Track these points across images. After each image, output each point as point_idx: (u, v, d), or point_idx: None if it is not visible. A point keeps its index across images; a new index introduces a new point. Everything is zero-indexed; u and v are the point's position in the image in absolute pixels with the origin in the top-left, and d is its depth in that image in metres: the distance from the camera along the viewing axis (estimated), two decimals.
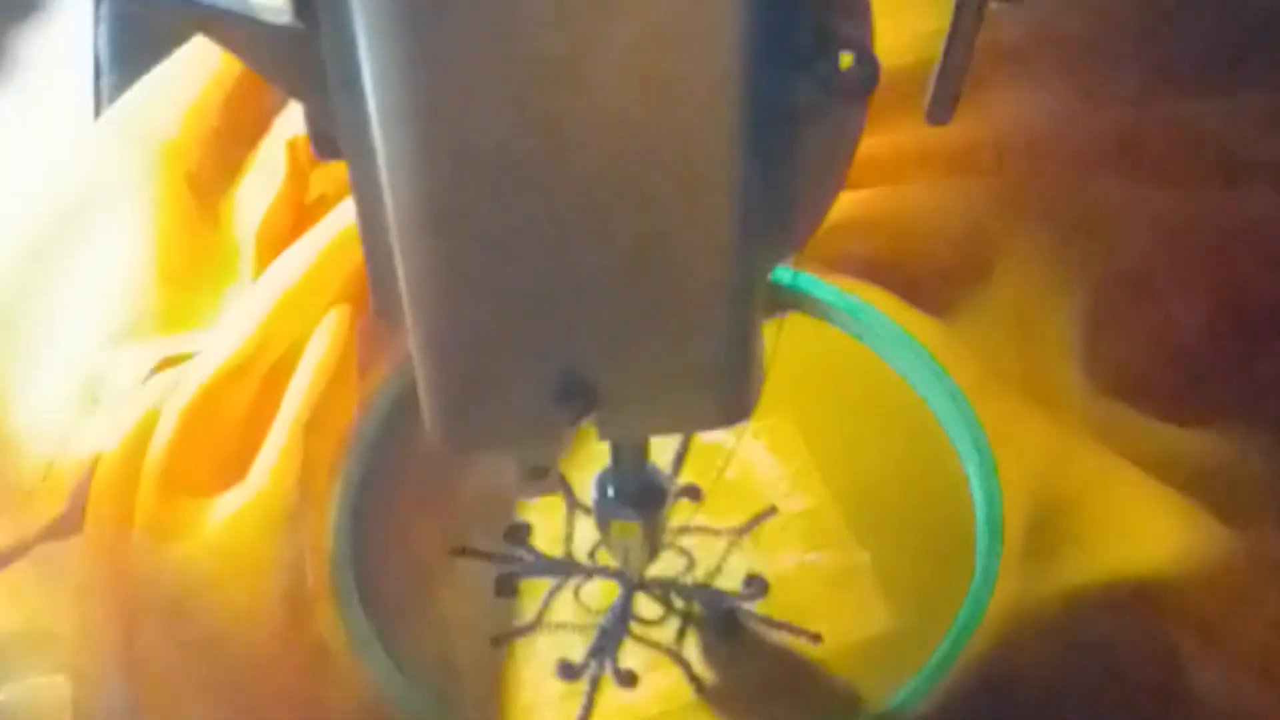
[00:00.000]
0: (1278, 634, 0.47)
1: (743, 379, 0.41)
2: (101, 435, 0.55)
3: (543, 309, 0.38)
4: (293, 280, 0.57)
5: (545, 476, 0.44)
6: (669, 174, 0.36)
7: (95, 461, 0.54)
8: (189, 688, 0.50)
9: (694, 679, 0.51)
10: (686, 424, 0.44)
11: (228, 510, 0.53)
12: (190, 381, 0.55)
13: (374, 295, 0.40)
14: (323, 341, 0.56)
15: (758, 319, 0.40)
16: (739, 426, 0.53)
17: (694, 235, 0.37)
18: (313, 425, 0.55)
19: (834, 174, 0.38)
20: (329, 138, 0.38)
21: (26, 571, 0.54)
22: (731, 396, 0.41)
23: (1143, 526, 0.50)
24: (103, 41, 0.71)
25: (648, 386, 0.40)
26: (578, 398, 0.40)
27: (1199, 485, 0.50)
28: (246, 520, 0.53)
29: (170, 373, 0.57)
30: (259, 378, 0.56)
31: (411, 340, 0.39)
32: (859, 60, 0.35)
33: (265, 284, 0.58)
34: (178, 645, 0.51)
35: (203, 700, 0.50)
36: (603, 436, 0.42)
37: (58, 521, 0.54)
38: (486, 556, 0.54)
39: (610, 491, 0.47)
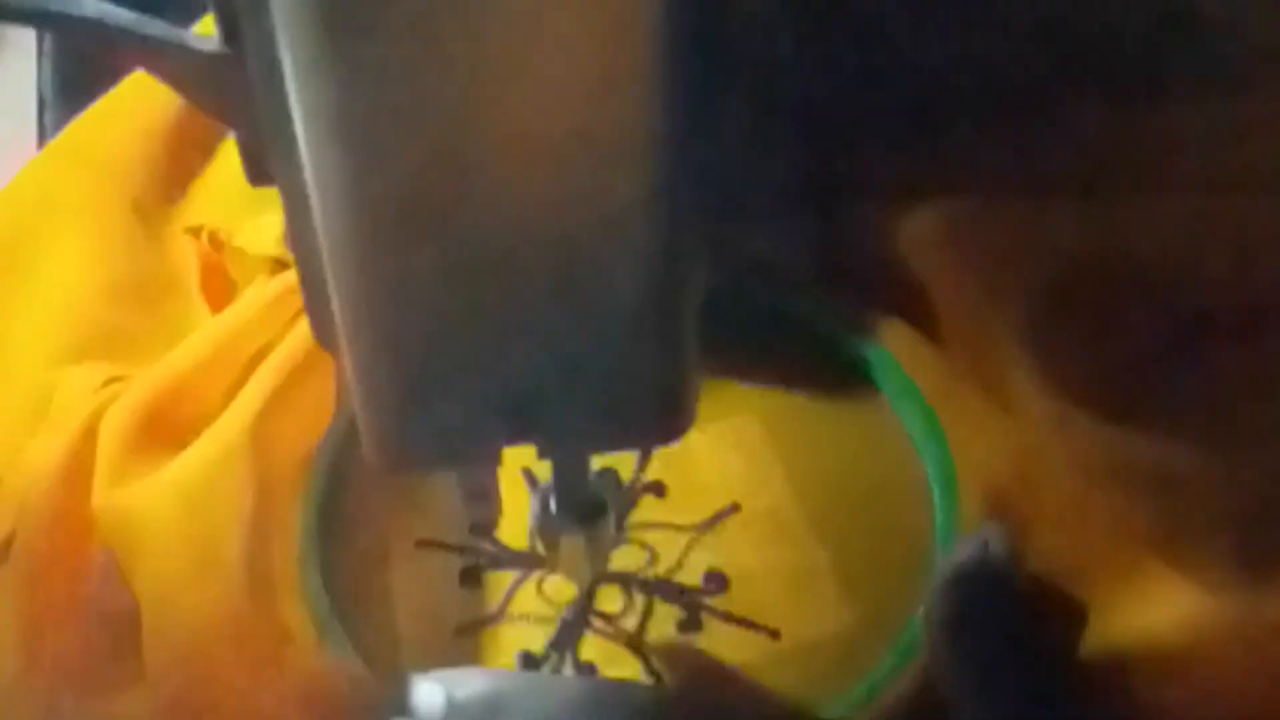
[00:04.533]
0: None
1: (678, 398, 0.41)
2: (45, 455, 0.56)
3: (474, 335, 0.39)
4: (268, 294, 0.57)
5: (486, 496, 0.44)
6: (594, 206, 0.36)
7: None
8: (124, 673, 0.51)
9: (653, 672, 0.52)
10: (624, 443, 0.45)
11: (184, 484, 0.54)
12: (143, 382, 0.56)
13: (311, 320, 0.41)
14: (296, 334, 0.57)
15: (690, 338, 0.40)
16: (703, 425, 0.53)
17: (621, 262, 0.37)
18: (281, 406, 0.56)
19: (766, 181, 0.38)
20: (260, 163, 0.38)
21: None
22: (667, 415, 0.42)
23: (1103, 537, 0.50)
24: (46, 76, 0.71)
25: (583, 407, 0.41)
26: (514, 416, 0.40)
27: (1152, 490, 0.50)
28: (204, 495, 0.53)
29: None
30: (225, 376, 0.57)
31: (346, 364, 0.40)
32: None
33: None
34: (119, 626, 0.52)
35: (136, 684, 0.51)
36: (542, 455, 0.43)
37: (2, 544, 0.55)
38: (452, 548, 0.55)
39: (552, 506, 0.47)
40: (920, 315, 0.56)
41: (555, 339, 0.39)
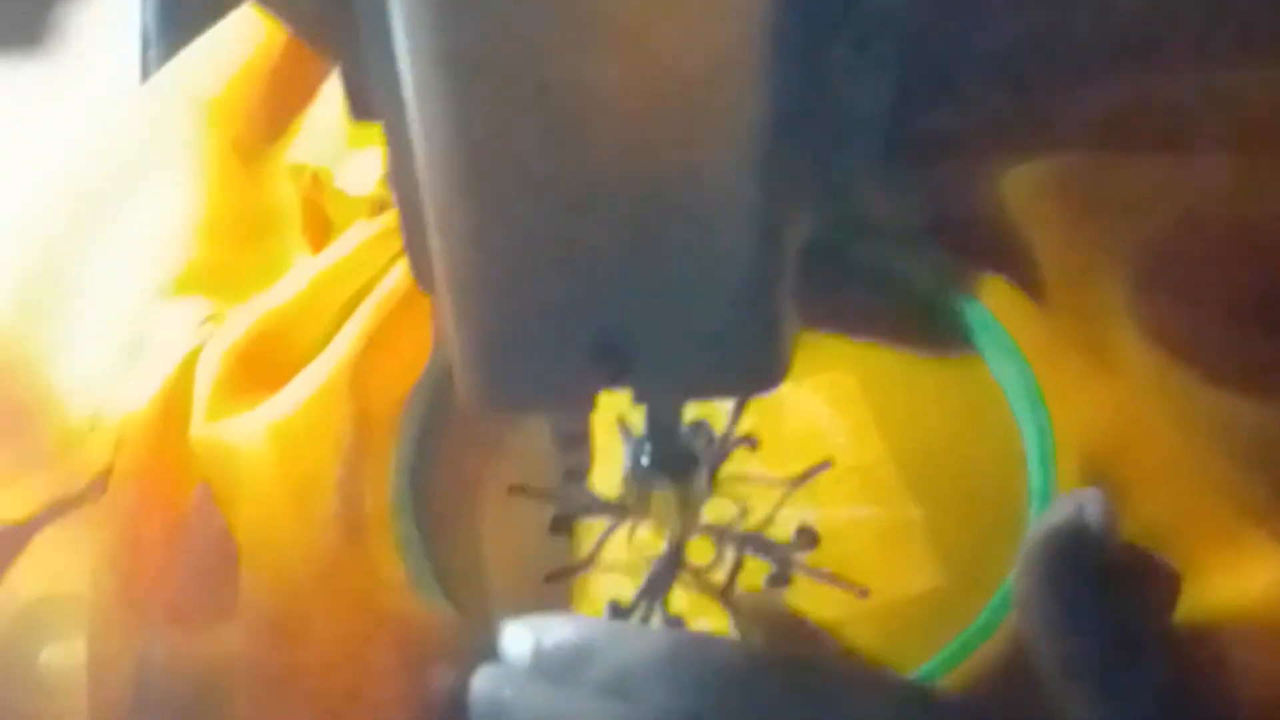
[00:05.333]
0: None
1: (774, 344, 0.41)
2: (143, 389, 0.56)
3: (573, 273, 0.39)
4: (368, 233, 0.58)
5: (579, 444, 0.44)
6: (694, 150, 0.36)
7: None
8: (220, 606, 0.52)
9: (740, 626, 0.52)
10: (717, 389, 0.44)
11: (281, 423, 0.54)
12: (241, 321, 0.56)
13: (409, 260, 0.41)
14: (395, 276, 0.57)
15: (787, 288, 0.40)
16: (798, 379, 0.53)
17: (720, 199, 0.37)
18: (379, 348, 0.56)
19: (868, 133, 0.38)
20: (363, 98, 0.38)
21: (72, 530, 0.56)
22: (762, 365, 0.41)
23: (1202, 502, 0.50)
24: (150, 13, 0.71)
25: (678, 349, 0.40)
26: (609, 361, 0.40)
27: (1254, 455, 0.49)
28: (301, 434, 0.54)
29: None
30: (324, 316, 0.57)
31: (443, 305, 0.40)
32: (890, 21, 0.35)
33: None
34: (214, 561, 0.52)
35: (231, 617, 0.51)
36: (637, 400, 0.43)
37: (100, 479, 0.55)
38: (544, 495, 0.55)
39: (644, 459, 0.47)
40: (1022, 272, 0.55)
41: (652, 284, 0.38)
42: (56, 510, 0.57)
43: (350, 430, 0.54)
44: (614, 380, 0.41)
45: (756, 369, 0.41)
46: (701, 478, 0.48)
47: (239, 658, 0.50)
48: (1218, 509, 0.49)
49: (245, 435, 0.54)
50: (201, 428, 0.54)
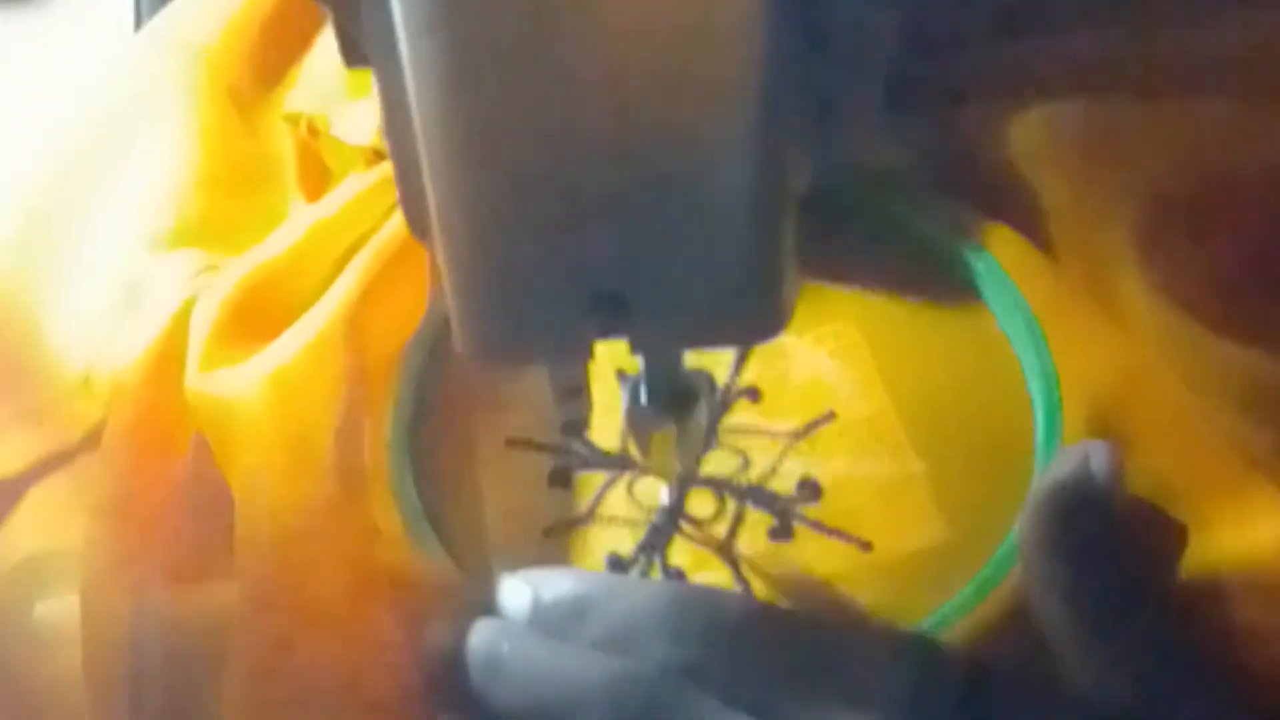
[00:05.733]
0: None
1: (774, 293, 0.40)
2: (136, 342, 0.55)
3: (569, 222, 0.38)
4: (366, 183, 0.57)
5: (577, 395, 0.44)
6: (693, 96, 0.35)
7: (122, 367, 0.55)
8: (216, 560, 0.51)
9: (741, 579, 0.51)
10: (717, 338, 0.44)
11: (276, 373, 0.53)
12: (236, 271, 0.56)
13: (404, 210, 0.40)
14: (392, 226, 0.56)
15: (789, 234, 0.39)
16: (801, 330, 0.53)
17: (719, 145, 0.36)
18: (375, 298, 0.55)
19: (870, 80, 0.37)
20: (356, 44, 0.38)
21: (67, 484, 0.55)
22: (762, 311, 0.41)
23: (1209, 454, 0.49)
24: None
25: (676, 298, 0.40)
26: (606, 310, 0.40)
27: (1265, 407, 0.49)
28: (297, 385, 0.53)
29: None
30: (320, 266, 0.56)
31: (438, 255, 0.39)
32: None
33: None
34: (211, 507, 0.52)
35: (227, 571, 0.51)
36: (635, 350, 0.42)
37: (94, 433, 0.55)
38: (542, 448, 0.54)
39: (642, 398, 0.46)
40: (1027, 221, 0.54)
41: (649, 232, 0.38)
42: (50, 465, 0.57)
43: (346, 382, 0.53)
44: (611, 330, 0.41)
45: (757, 318, 0.41)
46: (701, 415, 0.47)
47: (235, 611, 0.50)
48: (1225, 461, 0.49)
49: (240, 386, 0.53)
50: (195, 379, 0.54)
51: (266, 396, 0.52)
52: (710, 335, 0.43)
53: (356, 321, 0.54)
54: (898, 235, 0.56)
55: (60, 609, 0.53)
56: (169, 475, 0.54)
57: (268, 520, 0.50)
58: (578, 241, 0.38)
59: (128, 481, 0.54)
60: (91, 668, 0.51)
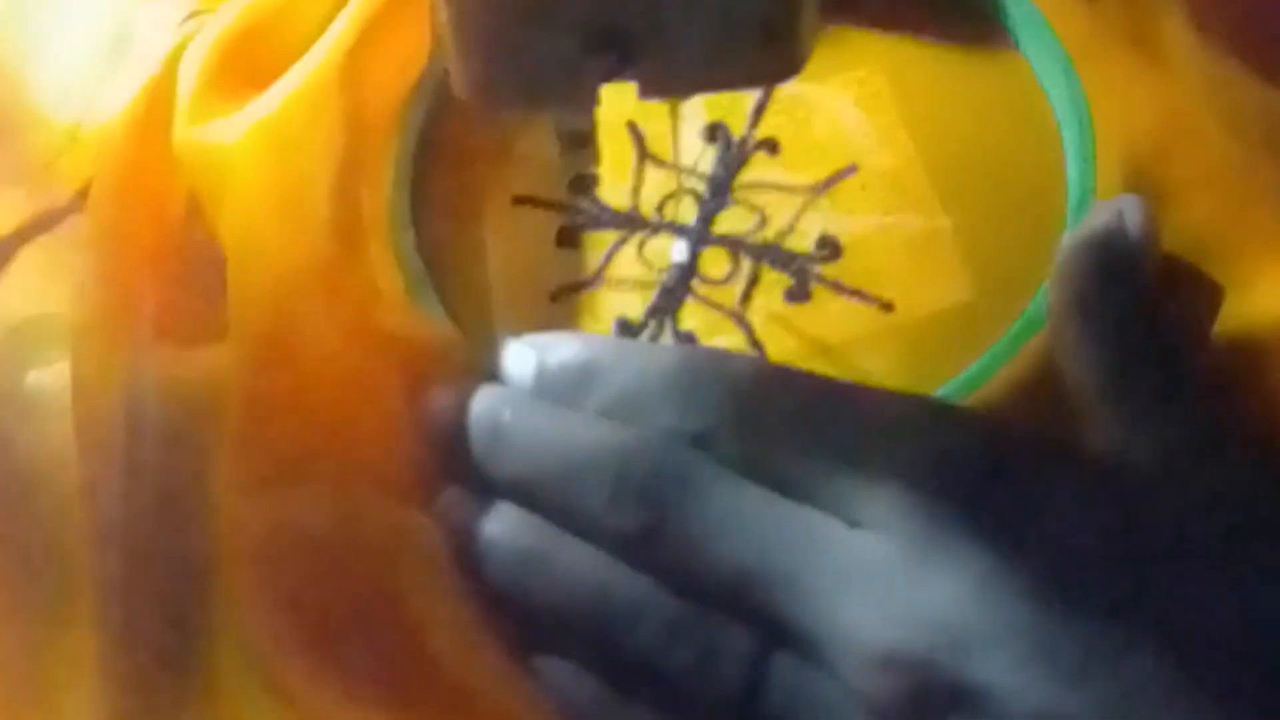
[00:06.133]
0: None
1: (790, 27, 0.38)
2: (123, 93, 0.53)
3: None
4: None
5: (584, 145, 0.42)
6: None
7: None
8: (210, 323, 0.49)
9: (756, 343, 0.49)
10: (730, 79, 0.41)
11: (270, 122, 0.51)
12: (226, 16, 0.53)
13: None
14: None
15: None
16: (823, 77, 0.50)
17: None
18: (374, 42, 0.52)
19: None
20: None
21: (57, 245, 0.53)
22: (778, 47, 0.38)
23: (1250, 207, 0.47)
24: None
25: (685, 35, 0.37)
26: (611, 49, 0.37)
27: None
28: (292, 134, 0.50)
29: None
30: (314, 7, 0.53)
31: None
32: None
33: None
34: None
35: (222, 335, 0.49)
36: (643, 94, 0.40)
37: (83, 191, 0.52)
38: (549, 205, 0.52)
39: None
40: None
41: None
42: (40, 225, 0.55)
43: (343, 132, 0.51)
44: (616, 72, 0.38)
45: (772, 55, 0.38)
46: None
47: (230, 375, 0.48)
48: (1268, 215, 0.47)
49: (230, 137, 0.50)
50: (184, 131, 0.51)
51: (257, 146, 0.50)
52: (723, 76, 0.40)
53: (353, 67, 0.51)
54: None
55: (52, 376, 0.51)
56: (160, 235, 0.52)
57: (261, 279, 0.48)
58: None
59: (116, 241, 0.51)
60: (84, 435, 0.49)
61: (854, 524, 0.42)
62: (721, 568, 0.42)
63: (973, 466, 0.42)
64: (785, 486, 0.43)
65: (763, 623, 0.42)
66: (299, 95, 0.51)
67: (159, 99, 0.52)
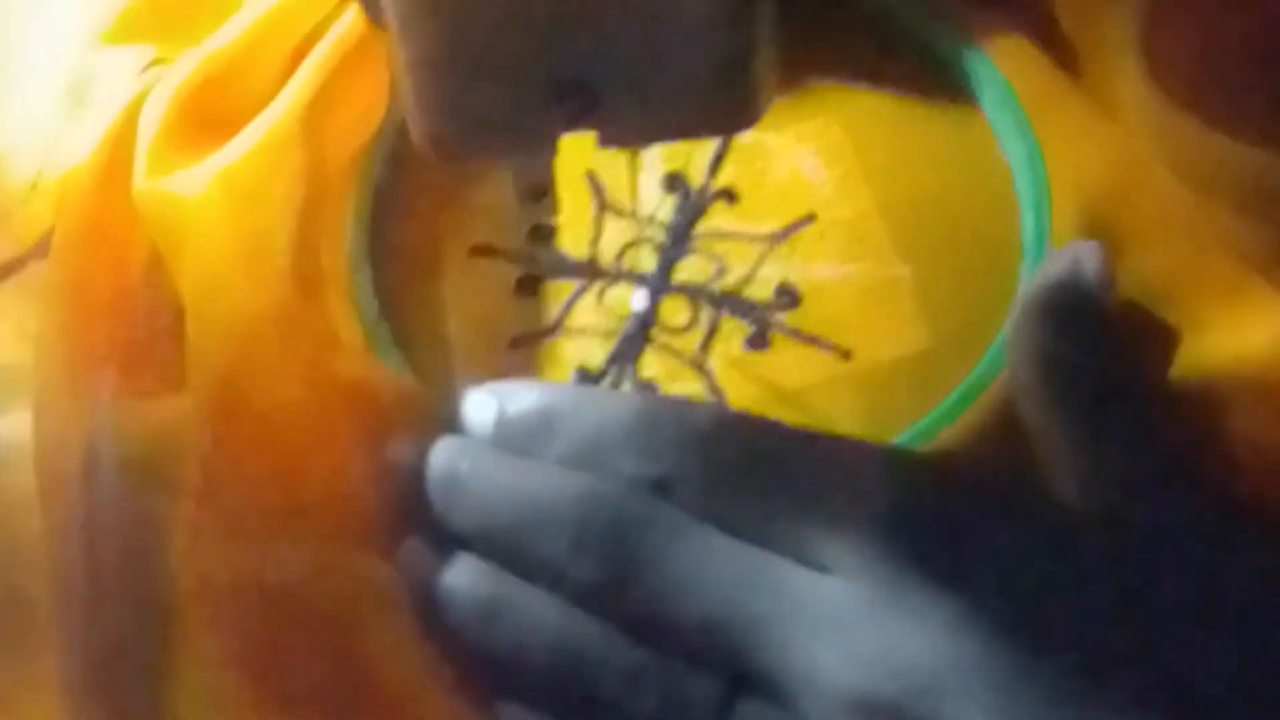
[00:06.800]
0: None
1: (747, 81, 0.38)
2: (84, 142, 0.53)
3: (529, 8, 0.36)
4: None
5: (543, 195, 0.42)
6: None
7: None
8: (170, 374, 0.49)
9: (716, 391, 0.49)
10: (689, 128, 0.41)
11: (230, 173, 0.51)
12: (187, 65, 0.53)
13: None
14: (349, 16, 0.53)
15: (765, 16, 0.37)
16: (781, 127, 0.50)
17: None
18: (334, 94, 0.52)
19: None
20: None
21: (19, 294, 0.53)
22: (735, 99, 0.39)
23: (1203, 253, 0.47)
24: None
25: (645, 85, 0.38)
26: (572, 98, 0.38)
27: (1260, 203, 0.47)
28: (252, 185, 0.50)
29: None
30: (275, 59, 0.53)
31: (394, 38, 0.37)
32: None
33: None
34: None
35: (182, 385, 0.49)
36: (602, 143, 0.40)
37: (44, 241, 0.52)
38: (508, 255, 0.52)
39: None
40: (1020, 12, 0.52)
41: (616, 12, 0.36)
42: (1, 274, 0.55)
43: (303, 182, 0.50)
44: (576, 121, 0.39)
45: (730, 106, 0.38)
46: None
47: (189, 424, 0.48)
48: (1220, 261, 0.47)
49: (190, 186, 0.50)
50: (145, 182, 0.51)
51: (217, 196, 0.50)
52: (683, 125, 0.40)
53: (312, 118, 0.52)
54: (885, 26, 0.54)
55: (13, 426, 0.51)
56: (121, 284, 0.52)
57: (220, 328, 0.48)
58: (540, 22, 0.36)
59: (78, 291, 0.51)
60: (46, 484, 0.49)
61: (820, 570, 0.42)
62: (687, 615, 0.42)
63: (933, 513, 0.43)
64: (747, 533, 0.43)
65: (729, 669, 0.42)
66: (260, 147, 0.51)
67: (120, 149, 0.52)
